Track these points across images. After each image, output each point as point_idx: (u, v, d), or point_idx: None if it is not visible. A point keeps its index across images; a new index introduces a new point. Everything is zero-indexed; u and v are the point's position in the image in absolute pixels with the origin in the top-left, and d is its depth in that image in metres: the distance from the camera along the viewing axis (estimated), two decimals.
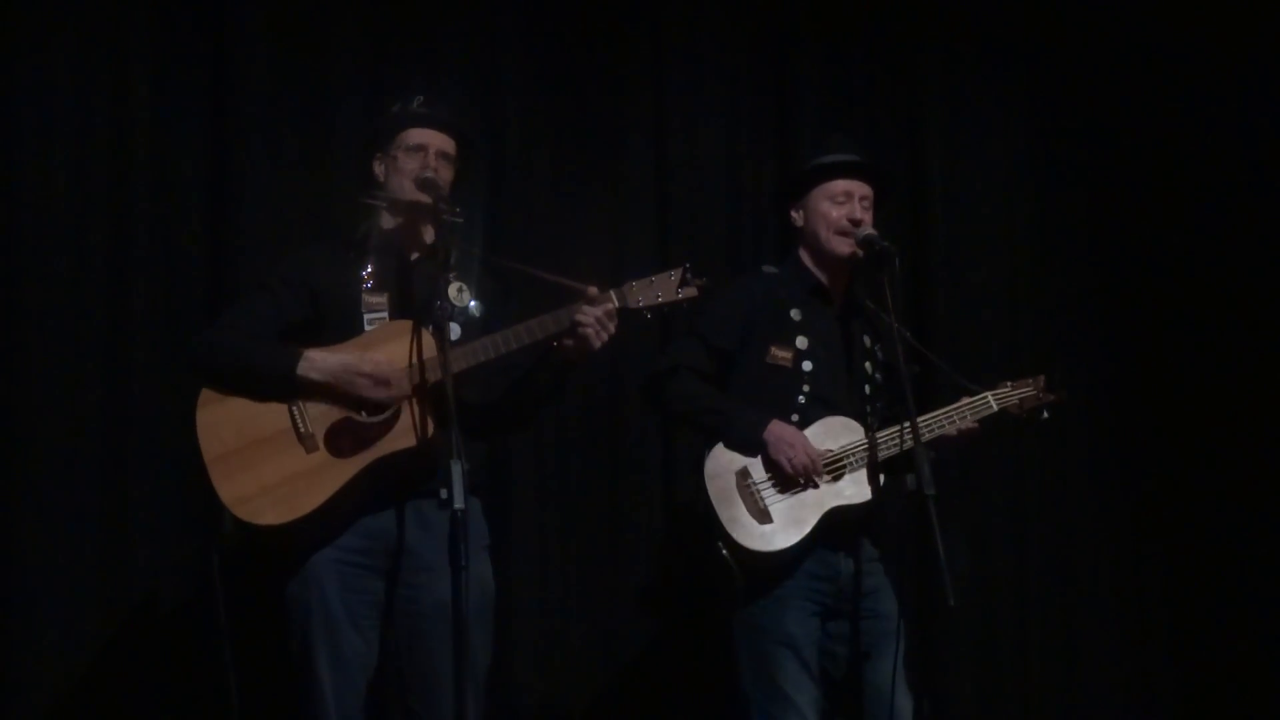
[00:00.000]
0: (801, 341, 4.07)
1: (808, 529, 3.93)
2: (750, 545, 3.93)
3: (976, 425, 4.06)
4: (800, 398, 4.04)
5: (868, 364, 3.97)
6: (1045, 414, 4.15)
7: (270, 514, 3.64)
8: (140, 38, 4.67)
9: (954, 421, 4.01)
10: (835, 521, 3.97)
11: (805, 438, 3.97)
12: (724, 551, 3.92)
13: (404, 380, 3.67)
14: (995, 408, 4.03)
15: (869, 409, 4.00)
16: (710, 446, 4.02)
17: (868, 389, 4.00)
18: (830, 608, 4.00)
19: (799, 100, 5.24)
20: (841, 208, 4.08)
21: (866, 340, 4.10)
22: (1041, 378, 4.09)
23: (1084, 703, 5.37)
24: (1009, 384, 4.11)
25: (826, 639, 4.01)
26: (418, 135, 3.89)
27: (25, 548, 4.49)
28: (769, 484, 3.98)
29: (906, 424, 3.86)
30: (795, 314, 4.10)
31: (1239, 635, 5.42)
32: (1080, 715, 5.35)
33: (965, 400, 4.05)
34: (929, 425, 3.96)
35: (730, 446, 4.01)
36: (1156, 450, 5.52)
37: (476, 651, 3.69)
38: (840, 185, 4.10)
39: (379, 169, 3.93)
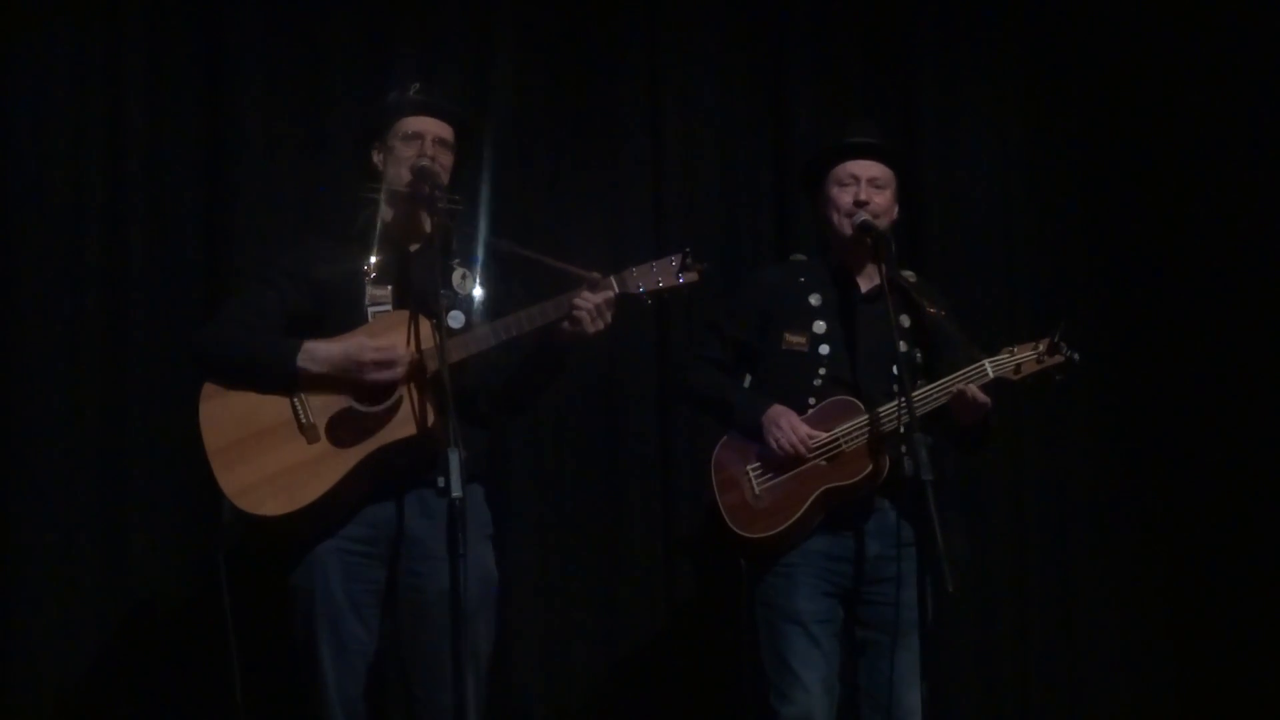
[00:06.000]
0: (819, 326, 4.07)
1: (799, 511, 3.93)
2: (742, 532, 3.95)
3: (982, 395, 3.94)
4: (816, 381, 4.03)
5: (902, 342, 3.90)
6: (1059, 377, 4.00)
7: (271, 504, 3.65)
8: (136, 29, 4.67)
9: (949, 393, 3.94)
10: (839, 503, 3.97)
11: (795, 418, 3.97)
12: (742, 562, 3.98)
13: (407, 360, 3.66)
14: (992, 374, 3.94)
15: (898, 387, 3.90)
16: (723, 435, 4.06)
17: (895, 368, 3.92)
18: (851, 590, 4.00)
19: (794, 87, 5.23)
20: (847, 189, 4.08)
21: (905, 320, 4.03)
22: (1044, 341, 3.98)
23: (1084, 687, 5.37)
24: (1011, 348, 3.99)
25: (852, 622, 4.02)
26: (414, 123, 3.88)
27: (24, 542, 4.50)
28: (763, 468, 3.99)
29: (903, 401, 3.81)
30: (815, 299, 4.10)
31: (1241, 626, 5.38)
32: (1080, 700, 5.35)
33: (960, 371, 3.95)
34: (925, 399, 3.91)
35: (737, 432, 4.03)
36: (1158, 436, 5.50)
37: (479, 640, 3.71)
38: (849, 168, 4.09)
39: (377, 159, 3.91)
